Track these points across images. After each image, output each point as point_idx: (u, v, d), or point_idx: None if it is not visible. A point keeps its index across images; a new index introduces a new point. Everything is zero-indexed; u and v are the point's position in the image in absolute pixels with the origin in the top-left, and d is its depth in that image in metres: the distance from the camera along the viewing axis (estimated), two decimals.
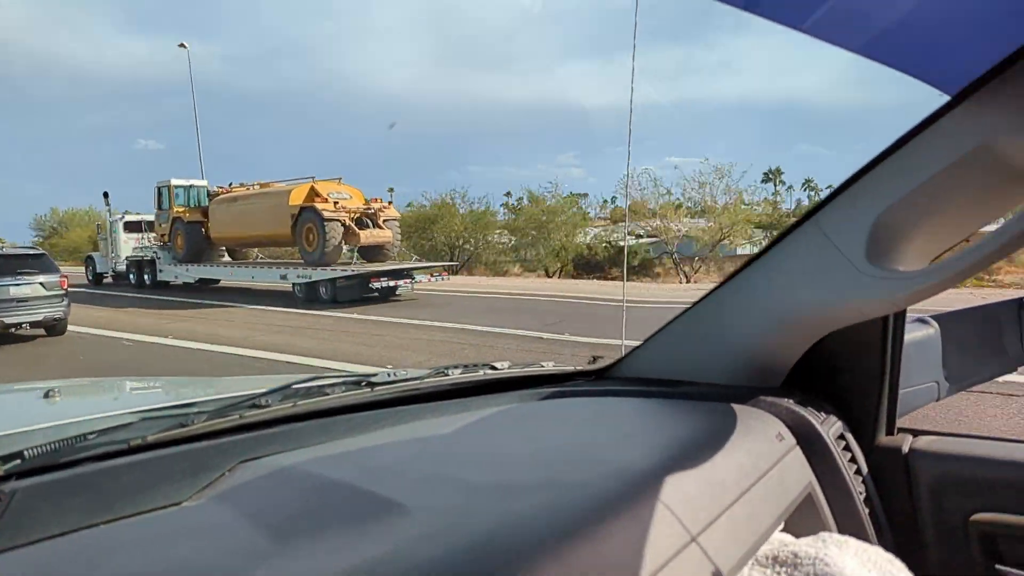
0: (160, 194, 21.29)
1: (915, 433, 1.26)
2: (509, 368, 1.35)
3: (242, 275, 18.22)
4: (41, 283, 10.41)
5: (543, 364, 1.47)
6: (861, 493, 1.11)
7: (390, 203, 17.07)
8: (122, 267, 23.51)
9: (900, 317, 1.22)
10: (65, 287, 10.76)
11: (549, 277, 25.63)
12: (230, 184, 20.69)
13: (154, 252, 21.38)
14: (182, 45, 29.79)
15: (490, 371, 1.31)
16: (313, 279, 15.37)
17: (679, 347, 1.31)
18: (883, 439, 1.24)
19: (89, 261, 25.52)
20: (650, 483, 0.78)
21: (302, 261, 17.38)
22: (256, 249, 21.37)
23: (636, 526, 0.70)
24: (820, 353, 1.22)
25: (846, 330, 1.16)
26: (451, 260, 26.04)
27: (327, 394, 1.05)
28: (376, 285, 14.88)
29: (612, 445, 0.94)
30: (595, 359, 1.48)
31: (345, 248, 16.19)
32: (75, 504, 0.70)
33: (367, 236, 15.90)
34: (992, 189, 0.90)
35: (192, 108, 29.14)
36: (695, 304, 1.27)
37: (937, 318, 1.36)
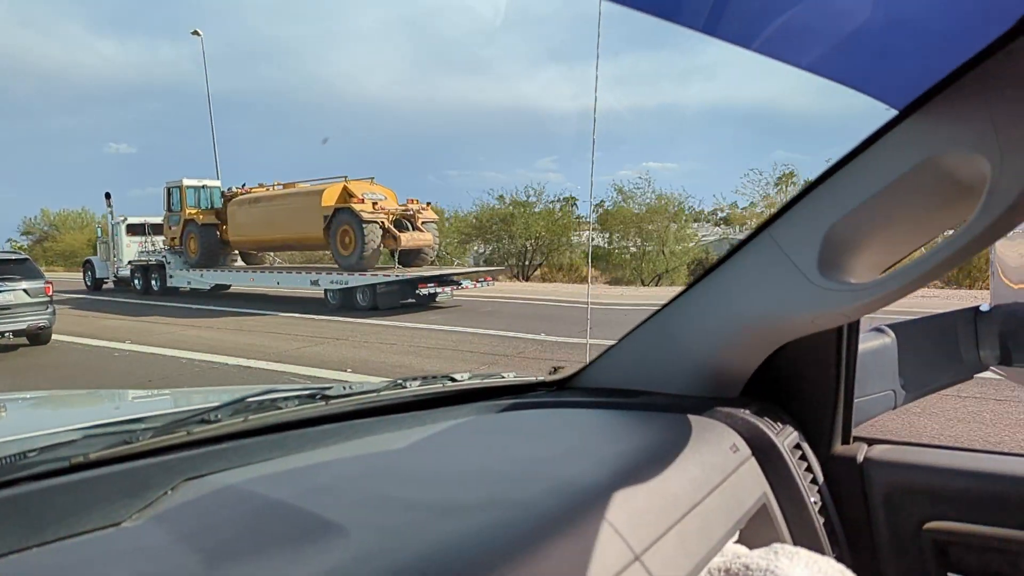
0: (170, 195, 20.10)
1: (870, 442, 1.26)
2: (469, 379, 1.33)
3: (264, 281, 17.12)
4: (24, 290, 9.84)
5: (504, 375, 1.43)
6: (816, 503, 1.11)
7: (428, 204, 16.12)
8: (125, 272, 22.29)
9: (854, 327, 1.22)
10: (50, 293, 10.16)
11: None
12: (243, 185, 19.61)
13: (163, 256, 20.16)
14: (195, 33, 27.65)
15: (449, 383, 1.29)
16: (350, 285, 14.41)
17: (640, 356, 1.31)
18: (839, 448, 1.24)
19: (88, 265, 24.24)
20: (596, 500, 0.77)
21: (324, 265, 16.42)
22: (272, 253, 20.28)
23: (577, 545, 0.69)
24: (778, 363, 1.24)
25: (802, 340, 1.16)
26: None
27: (280, 408, 1.03)
28: (424, 291, 13.97)
29: (562, 460, 0.92)
30: (555, 369, 1.46)
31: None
32: (8, 527, 0.68)
33: (407, 239, 14.93)
34: (938, 202, 0.91)
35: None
36: (656, 313, 1.27)
37: (893, 327, 1.37)
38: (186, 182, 19.67)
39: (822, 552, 0.99)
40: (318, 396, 1.10)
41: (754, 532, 0.99)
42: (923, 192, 0.89)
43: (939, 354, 1.36)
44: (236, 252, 20.16)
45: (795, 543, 1.01)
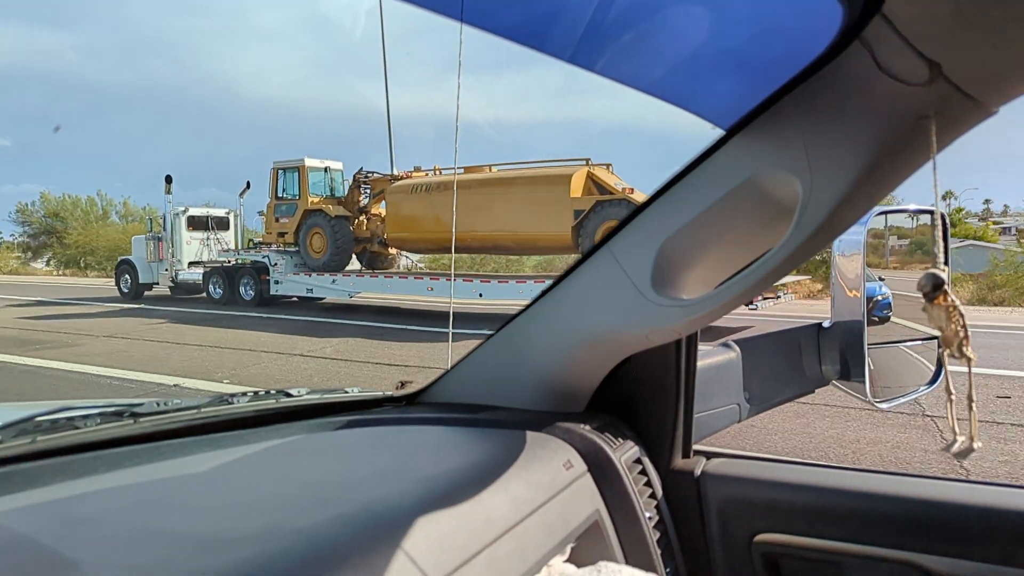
0: (282, 178, 15.71)
1: (709, 455, 1.26)
2: (307, 395, 1.24)
3: (446, 291, 13.18)
4: None
5: (348, 390, 1.35)
6: (653, 518, 1.10)
7: None
8: (189, 276, 17.58)
9: (692, 341, 1.22)
10: None
11: None
12: (360, 169, 15.54)
13: (265, 257, 15.69)
14: None
15: (284, 398, 1.20)
16: None
17: (488, 370, 1.27)
18: (679, 462, 1.23)
19: (125, 267, 19.04)
20: (394, 526, 0.73)
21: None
22: (405, 254, 16.21)
23: None
24: (622, 377, 1.23)
25: (644, 354, 1.16)
26: None
27: (78, 427, 0.93)
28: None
29: (372, 482, 0.86)
30: (403, 384, 1.41)
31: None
32: None
33: None
34: (761, 221, 0.94)
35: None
36: (504, 325, 1.24)
37: (739, 342, 1.37)
38: (308, 162, 15.37)
39: (654, 568, 1.02)
40: (127, 413, 0.99)
41: (586, 550, 0.98)
42: (746, 210, 0.92)
43: (784, 369, 1.38)
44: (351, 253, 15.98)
45: (628, 560, 1.02)
